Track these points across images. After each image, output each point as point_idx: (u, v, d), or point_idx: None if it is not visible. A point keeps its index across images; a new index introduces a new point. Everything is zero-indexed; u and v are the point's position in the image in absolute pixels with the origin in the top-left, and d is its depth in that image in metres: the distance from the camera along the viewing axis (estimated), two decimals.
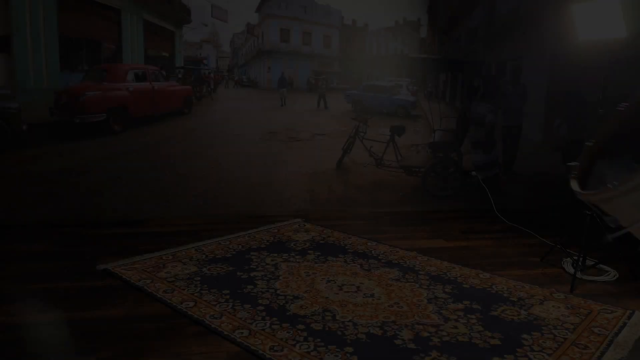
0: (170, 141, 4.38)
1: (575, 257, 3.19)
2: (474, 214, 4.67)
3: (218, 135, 4.49)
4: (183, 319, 2.49)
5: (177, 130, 4.43)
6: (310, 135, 4.70)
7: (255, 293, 2.79)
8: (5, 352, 2.15)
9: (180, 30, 4.34)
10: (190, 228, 4.03)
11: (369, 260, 3.38)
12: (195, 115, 4.50)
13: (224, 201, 4.45)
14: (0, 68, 3.85)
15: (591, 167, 2.70)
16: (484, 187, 3.87)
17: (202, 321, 2.44)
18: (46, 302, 2.63)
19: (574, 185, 2.53)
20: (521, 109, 4.95)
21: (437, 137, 4.92)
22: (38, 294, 2.72)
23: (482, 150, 4.96)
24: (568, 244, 3.44)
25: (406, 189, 4.86)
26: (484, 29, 4.85)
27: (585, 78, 4.88)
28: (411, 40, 4.93)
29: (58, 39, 3.96)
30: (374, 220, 4.25)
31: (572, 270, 3.24)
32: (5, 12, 3.80)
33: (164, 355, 2.16)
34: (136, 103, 4.31)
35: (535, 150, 5.08)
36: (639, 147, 2.50)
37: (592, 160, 2.70)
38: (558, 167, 5.18)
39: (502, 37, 4.85)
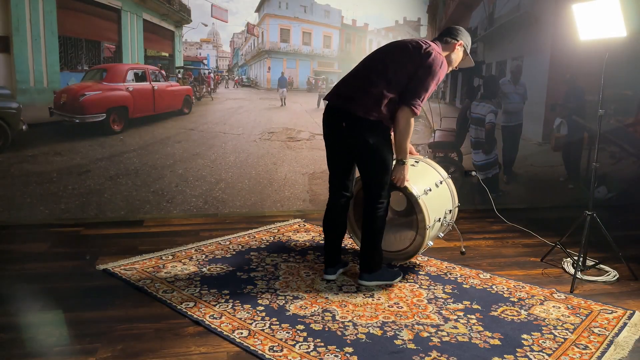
0: (170, 141, 4.38)
1: (575, 257, 3.19)
2: (474, 214, 4.68)
3: (218, 135, 4.49)
4: (183, 319, 2.49)
5: (177, 130, 4.43)
6: (310, 135, 4.70)
7: (255, 293, 2.80)
8: (5, 352, 2.15)
9: (180, 30, 4.34)
10: (190, 228, 4.04)
11: None
12: (195, 115, 4.49)
13: (224, 201, 4.45)
14: (0, 68, 3.84)
15: None
16: (484, 187, 3.86)
17: (202, 321, 2.44)
18: (46, 302, 2.63)
19: None
20: (521, 109, 4.95)
21: (437, 137, 4.92)
22: (38, 294, 2.72)
23: (482, 150, 4.96)
24: (568, 244, 3.44)
25: None
26: (484, 29, 4.85)
27: (585, 78, 4.88)
28: None
29: (58, 39, 3.96)
30: None
31: (572, 271, 3.24)
32: (5, 12, 3.80)
33: (164, 356, 2.16)
34: (136, 103, 4.30)
35: (535, 150, 5.08)
36: None
37: None
38: (558, 167, 5.20)
39: (502, 37, 4.85)
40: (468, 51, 2.93)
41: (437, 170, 3.19)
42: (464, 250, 3.16)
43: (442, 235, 3.19)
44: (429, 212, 2.88)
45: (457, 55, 2.90)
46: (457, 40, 2.86)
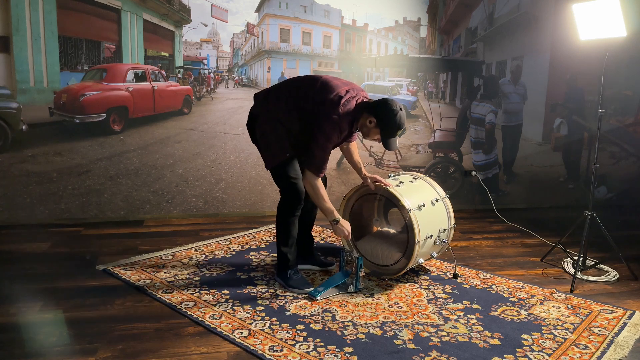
0: (170, 141, 4.38)
1: (575, 257, 3.19)
2: (474, 214, 4.68)
3: (218, 135, 4.49)
4: (183, 319, 2.49)
5: (177, 130, 4.43)
6: None
7: (255, 293, 2.80)
8: (6, 352, 2.15)
9: (180, 30, 4.34)
10: (190, 228, 4.04)
11: None
12: (195, 115, 4.50)
13: (224, 201, 4.45)
14: (0, 68, 3.84)
15: None
16: (484, 187, 3.87)
17: (201, 321, 2.44)
18: (46, 302, 2.63)
19: None
20: (521, 109, 4.95)
21: (437, 137, 4.92)
22: (38, 294, 2.72)
23: (482, 150, 4.96)
24: (568, 244, 3.44)
25: None
26: (484, 29, 4.85)
27: (585, 78, 4.89)
28: (411, 40, 4.93)
29: (58, 39, 3.96)
30: None
31: (572, 271, 3.24)
32: (5, 12, 3.80)
33: (164, 356, 2.16)
34: (136, 103, 4.31)
35: (535, 150, 5.08)
36: None
37: None
38: (558, 167, 5.20)
39: (502, 37, 4.85)
40: (395, 134, 2.62)
41: (435, 189, 3.14)
42: (457, 272, 3.14)
43: (436, 255, 3.14)
44: (419, 227, 2.83)
45: (367, 128, 2.65)
46: (370, 114, 2.62)
